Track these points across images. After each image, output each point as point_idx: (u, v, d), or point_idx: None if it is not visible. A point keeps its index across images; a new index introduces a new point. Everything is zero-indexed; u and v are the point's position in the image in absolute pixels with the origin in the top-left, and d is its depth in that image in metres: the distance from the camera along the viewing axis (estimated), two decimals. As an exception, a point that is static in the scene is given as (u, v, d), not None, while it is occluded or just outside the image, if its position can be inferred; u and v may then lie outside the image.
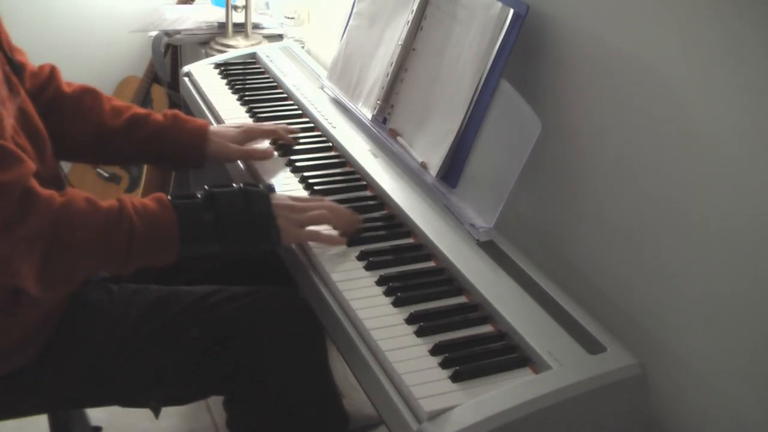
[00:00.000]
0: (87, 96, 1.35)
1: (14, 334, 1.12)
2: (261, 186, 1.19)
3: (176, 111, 1.40)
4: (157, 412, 1.26)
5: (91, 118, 1.33)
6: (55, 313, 1.16)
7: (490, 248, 1.20)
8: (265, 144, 1.49)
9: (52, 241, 1.01)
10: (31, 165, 1.04)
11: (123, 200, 1.08)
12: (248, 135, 1.44)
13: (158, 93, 2.65)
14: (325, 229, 1.22)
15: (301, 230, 1.18)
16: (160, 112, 1.40)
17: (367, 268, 1.16)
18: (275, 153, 1.47)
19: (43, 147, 1.16)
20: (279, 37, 2.30)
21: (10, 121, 1.07)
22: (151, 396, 1.23)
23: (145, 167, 2.55)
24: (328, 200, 1.24)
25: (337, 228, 1.22)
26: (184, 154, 1.40)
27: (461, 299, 1.12)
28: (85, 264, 1.06)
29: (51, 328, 1.15)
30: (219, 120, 1.63)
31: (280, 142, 1.49)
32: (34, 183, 1.02)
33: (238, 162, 1.47)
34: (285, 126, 1.51)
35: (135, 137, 1.35)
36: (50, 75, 1.35)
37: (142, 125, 1.36)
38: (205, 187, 1.15)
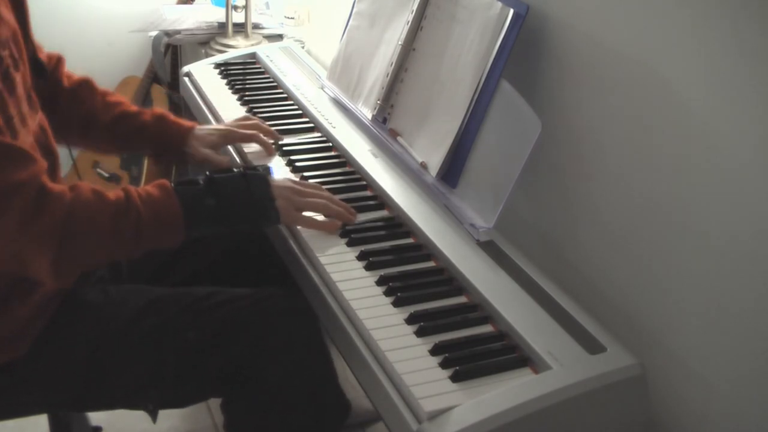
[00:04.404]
0: (82, 89, 1.40)
1: (3, 329, 1.12)
2: (260, 169, 1.24)
3: (164, 112, 1.45)
4: (154, 416, 1.25)
5: (82, 109, 1.39)
6: (46, 310, 1.16)
7: (490, 248, 1.20)
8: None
9: (65, 235, 1.05)
10: (43, 163, 1.08)
11: (129, 190, 1.13)
12: (227, 140, 1.48)
13: (158, 93, 2.65)
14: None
15: (299, 213, 1.23)
16: (151, 109, 1.45)
17: (367, 268, 1.16)
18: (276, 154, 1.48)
19: (55, 164, 1.20)
20: (279, 37, 2.30)
21: (29, 139, 1.10)
22: (147, 399, 1.22)
23: (145, 168, 2.55)
24: (326, 190, 1.28)
25: (331, 218, 1.25)
26: (164, 153, 1.47)
27: (461, 299, 1.12)
28: (96, 254, 1.11)
29: (43, 323, 1.16)
30: (219, 120, 1.63)
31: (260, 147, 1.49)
32: (47, 180, 1.07)
33: (235, 158, 1.49)
34: (266, 129, 1.51)
35: (118, 131, 1.41)
36: (55, 66, 1.39)
37: (127, 121, 1.41)
38: (207, 173, 1.20)
